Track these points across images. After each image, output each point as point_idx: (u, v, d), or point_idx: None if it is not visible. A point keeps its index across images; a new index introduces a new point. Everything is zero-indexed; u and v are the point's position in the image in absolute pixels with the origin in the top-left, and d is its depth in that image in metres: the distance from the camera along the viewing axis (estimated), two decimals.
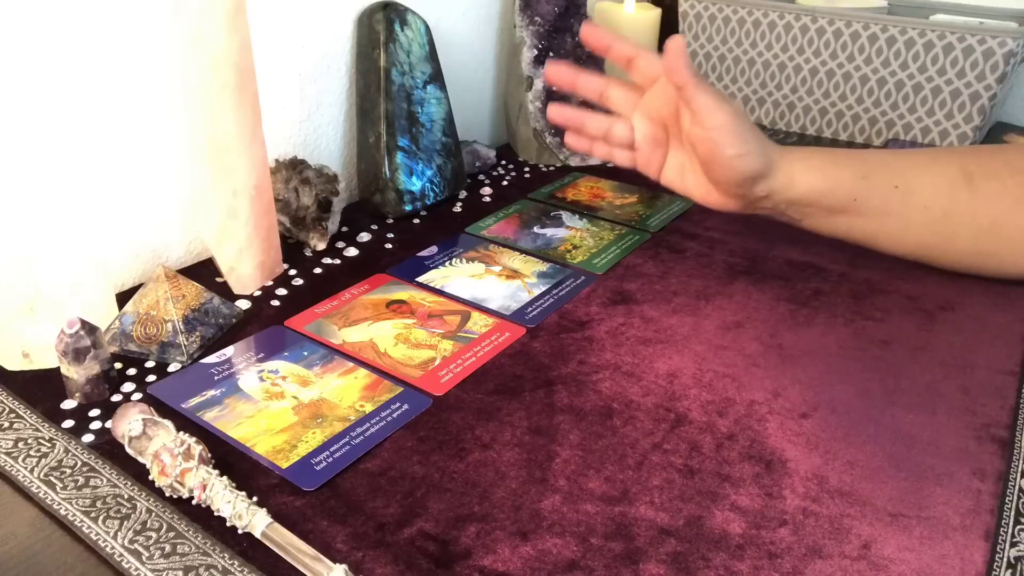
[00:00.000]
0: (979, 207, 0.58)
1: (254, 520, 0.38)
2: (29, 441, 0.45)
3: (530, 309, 0.59)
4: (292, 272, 0.64)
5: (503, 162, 0.88)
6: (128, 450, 0.43)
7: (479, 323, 0.57)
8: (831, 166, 0.58)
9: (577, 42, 0.84)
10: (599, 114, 0.60)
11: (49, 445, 0.45)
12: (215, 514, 0.39)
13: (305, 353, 0.53)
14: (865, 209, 0.59)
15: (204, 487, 0.40)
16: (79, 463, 0.43)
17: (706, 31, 0.93)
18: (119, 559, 0.37)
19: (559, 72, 0.60)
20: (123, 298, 0.55)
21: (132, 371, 0.51)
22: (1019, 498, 0.42)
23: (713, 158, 0.55)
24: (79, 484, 0.42)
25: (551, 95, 0.84)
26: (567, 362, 0.53)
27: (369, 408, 0.48)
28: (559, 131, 0.85)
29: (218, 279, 0.62)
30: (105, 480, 0.42)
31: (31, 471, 0.43)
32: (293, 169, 0.66)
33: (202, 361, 0.52)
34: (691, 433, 0.46)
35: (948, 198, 0.58)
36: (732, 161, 0.54)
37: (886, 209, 0.59)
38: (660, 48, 0.97)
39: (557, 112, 0.61)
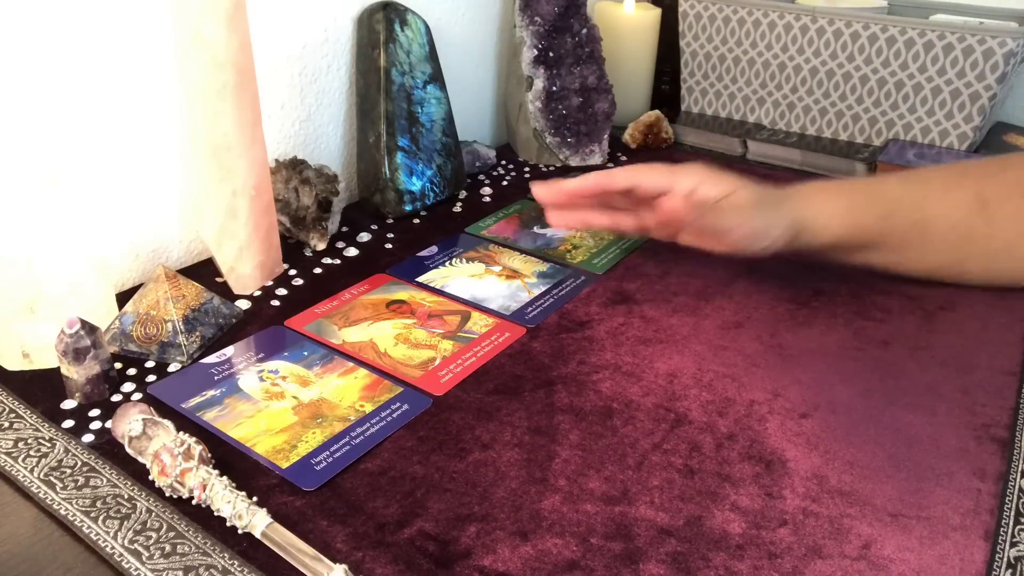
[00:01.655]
0: (993, 233, 0.58)
1: (254, 520, 0.38)
2: (29, 441, 0.45)
3: (530, 309, 0.59)
4: (292, 272, 0.64)
5: (503, 162, 0.88)
6: (128, 450, 0.43)
7: (479, 323, 0.57)
8: (853, 210, 0.59)
9: (577, 42, 0.84)
10: (599, 216, 0.60)
11: (49, 445, 0.45)
12: (215, 514, 0.39)
13: (305, 353, 0.53)
14: (885, 246, 0.60)
15: (204, 487, 0.40)
16: (79, 463, 0.43)
17: (706, 31, 0.93)
18: (119, 559, 0.37)
19: (553, 199, 0.59)
20: (123, 298, 0.55)
21: (132, 371, 0.51)
22: (1019, 498, 0.42)
23: (742, 254, 0.58)
24: (79, 484, 0.42)
25: (551, 95, 0.84)
26: (567, 362, 0.53)
27: (369, 408, 0.48)
28: (559, 131, 0.85)
29: (218, 279, 0.62)
30: (105, 480, 0.42)
31: (31, 471, 0.43)
32: (293, 169, 0.66)
33: (202, 361, 0.52)
34: (691, 433, 0.46)
35: (964, 227, 0.58)
36: (761, 251, 0.57)
37: (905, 244, 0.60)
38: (660, 49, 0.97)
39: (558, 219, 0.60)
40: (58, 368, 0.48)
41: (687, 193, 0.55)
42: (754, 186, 0.57)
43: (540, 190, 0.59)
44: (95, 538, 0.38)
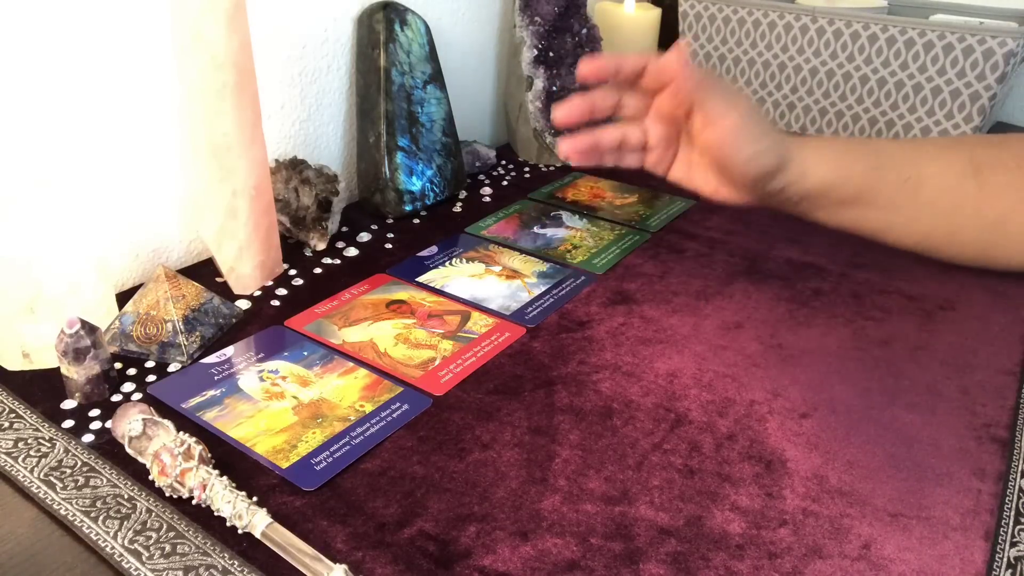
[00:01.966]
0: (986, 201, 0.58)
1: (254, 520, 0.38)
2: (29, 441, 0.45)
3: (530, 309, 0.59)
4: (292, 272, 0.64)
5: (503, 162, 0.88)
6: (128, 450, 0.43)
7: (479, 323, 0.57)
8: (844, 156, 0.58)
9: (577, 42, 0.84)
10: (609, 127, 0.57)
11: (49, 445, 0.45)
12: (215, 514, 0.39)
13: (305, 353, 0.53)
14: (875, 201, 0.59)
15: (204, 487, 0.40)
16: (79, 463, 0.43)
17: (706, 31, 0.93)
18: (119, 559, 0.37)
19: (572, 111, 0.55)
20: (123, 298, 0.55)
21: (132, 371, 0.51)
22: (1019, 498, 0.42)
23: (728, 160, 0.54)
24: (79, 484, 0.42)
25: (551, 95, 0.84)
26: (567, 362, 0.53)
27: (369, 408, 0.48)
28: (559, 131, 0.85)
29: (218, 279, 0.62)
30: (105, 480, 0.42)
31: (31, 471, 0.43)
32: (293, 169, 0.66)
33: (202, 361, 0.52)
34: (691, 433, 0.46)
35: (956, 192, 0.58)
36: (747, 162, 0.54)
37: (895, 202, 0.59)
38: (660, 49, 0.97)
39: (569, 145, 0.56)
40: (58, 368, 0.48)
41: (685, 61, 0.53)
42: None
43: (560, 111, 0.55)
44: (95, 538, 0.38)
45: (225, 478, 0.40)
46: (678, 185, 0.59)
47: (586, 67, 0.54)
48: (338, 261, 0.66)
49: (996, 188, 0.58)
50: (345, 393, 0.49)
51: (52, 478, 0.42)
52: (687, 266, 0.65)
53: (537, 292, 0.61)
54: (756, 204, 0.59)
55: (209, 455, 0.42)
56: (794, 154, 0.56)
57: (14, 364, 0.51)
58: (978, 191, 0.58)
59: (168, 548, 0.38)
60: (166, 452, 0.40)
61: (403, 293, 0.61)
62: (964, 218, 0.59)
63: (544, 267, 0.65)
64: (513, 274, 0.64)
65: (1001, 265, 0.61)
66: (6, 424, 0.46)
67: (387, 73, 0.70)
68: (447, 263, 0.65)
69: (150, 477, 0.41)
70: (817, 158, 0.57)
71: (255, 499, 0.40)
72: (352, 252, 0.67)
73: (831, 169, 0.57)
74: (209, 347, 0.54)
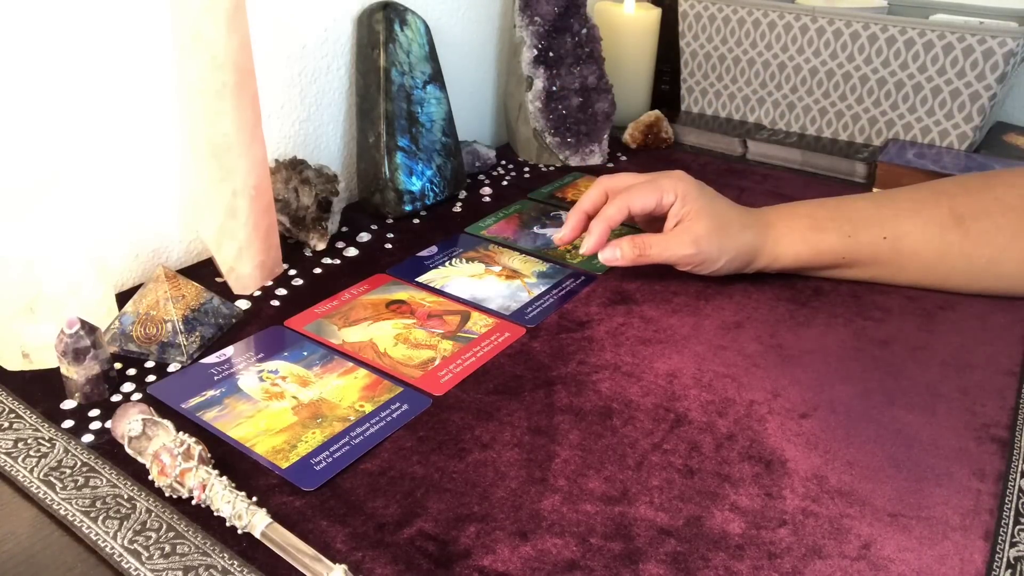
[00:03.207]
0: (973, 248, 0.58)
1: (254, 520, 0.38)
2: (29, 441, 0.45)
3: (530, 309, 0.59)
4: (292, 272, 0.64)
5: (503, 162, 0.88)
6: (128, 450, 0.43)
7: (479, 323, 0.57)
8: (813, 233, 0.60)
9: (577, 42, 0.84)
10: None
11: (49, 445, 0.45)
12: (215, 514, 0.39)
13: (305, 353, 0.53)
14: (855, 262, 0.61)
15: (204, 487, 0.40)
16: (79, 463, 0.43)
17: (706, 31, 0.93)
18: (119, 559, 0.37)
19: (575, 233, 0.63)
20: (123, 298, 0.55)
21: (132, 371, 0.51)
22: (1019, 498, 0.42)
23: (696, 271, 0.61)
24: (79, 484, 0.42)
25: (551, 95, 0.84)
26: (567, 362, 0.53)
27: (369, 408, 0.48)
28: (559, 131, 0.85)
29: (218, 279, 0.62)
30: (105, 480, 0.42)
31: (31, 471, 0.43)
32: (293, 169, 0.66)
33: (202, 361, 0.52)
34: (691, 433, 0.46)
35: (939, 242, 0.58)
36: (713, 271, 0.60)
37: (876, 260, 0.60)
38: (660, 49, 0.97)
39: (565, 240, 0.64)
40: (58, 368, 0.48)
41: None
42: (716, 211, 0.59)
43: (565, 238, 0.64)
44: (95, 538, 0.38)
45: (225, 478, 0.40)
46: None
47: (592, 245, 0.61)
48: (338, 261, 0.66)
49: (982, 235, 0.57)
50: (345, 393, 0.49)
51: (52, 478, 0.42)
52: None
53: (537, 292, 0.61)
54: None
55: (209, 455, 0.42)
56: (762, 245, 0.60)
57: (14, 364, 0.51)
58: (963, 239, 0.58)
59: (168, 548, 0.38)
60: (166, 452, 0.40)
61: (403, 293, 0.61)
62: (952, 266, 0.59)
63: (544, 267, 0.65)
64: (513, 274, 0.64)
65: (1003, 295, 0.60)
66: (6, 424, 0.46)
67: (387, 73, 0.70)
68: (447, 263, 0.65)
69: (150, 477, 0.41)
70: (787, 242, 0.60)
71: (255, 499, 0.40)
72: (352, 252, 0.67)
73: (802, 249, 0.60)
74: (209, 347, 0.54)
